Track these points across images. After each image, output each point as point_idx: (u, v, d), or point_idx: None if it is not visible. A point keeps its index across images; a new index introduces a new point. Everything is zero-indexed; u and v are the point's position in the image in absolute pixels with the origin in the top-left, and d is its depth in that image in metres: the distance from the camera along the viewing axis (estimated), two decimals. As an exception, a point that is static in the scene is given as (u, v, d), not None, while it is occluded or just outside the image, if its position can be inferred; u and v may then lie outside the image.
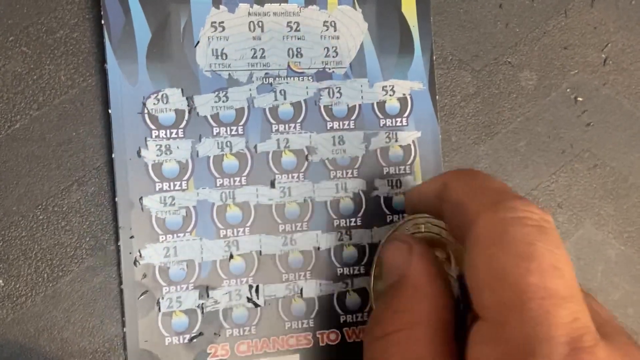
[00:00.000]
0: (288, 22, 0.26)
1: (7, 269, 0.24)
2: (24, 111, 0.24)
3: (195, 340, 0.24)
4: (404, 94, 0.27)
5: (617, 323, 0.19)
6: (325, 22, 0.26)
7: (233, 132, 0.25)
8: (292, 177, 0.25)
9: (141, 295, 0.24)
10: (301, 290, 0.25)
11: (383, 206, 0.26)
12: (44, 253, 0.24)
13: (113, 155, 0.24)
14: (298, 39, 0.26)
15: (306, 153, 0.26)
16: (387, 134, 0.26)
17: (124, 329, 0.24)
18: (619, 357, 0.15)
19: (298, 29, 0.26)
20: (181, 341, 0.24)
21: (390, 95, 0.27)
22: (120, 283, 0.24)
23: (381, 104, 0.27)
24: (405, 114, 0.27)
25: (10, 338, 0.23)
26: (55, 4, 0.24)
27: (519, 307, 0.16)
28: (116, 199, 0.24)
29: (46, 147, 0.24)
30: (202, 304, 0.24)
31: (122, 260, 0.24)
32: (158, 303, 0.24)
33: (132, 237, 0.24)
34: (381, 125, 0.27)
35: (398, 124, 0.27)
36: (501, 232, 0.17)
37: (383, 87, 0.27)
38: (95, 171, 0.24)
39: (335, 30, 0.26)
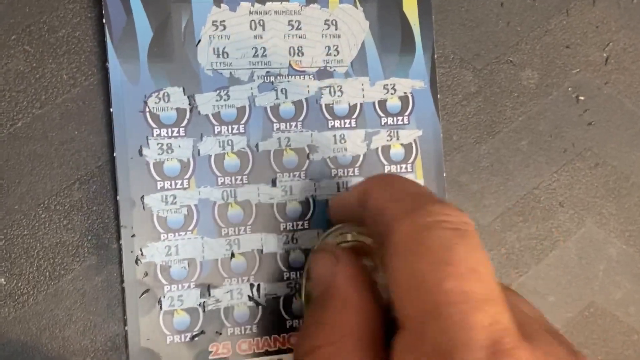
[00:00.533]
0: (289, 21, 0.26)
1: (9, 268, 0.24)
2: (26, 110, 0.24)
3: (196, 338, 0.24)
4: (405, 93, 0.27)
5: (545, 320, 0.18)
6: (326, 20, 0.26)
7: (234, 131, 0.25)
8: (294, 175, 0.25)
9: (143, 294, 0.24)
10: (302, 288, 0.25)
11: None
12: (46, 251, 0.24)
13: (115, 154, 0.24)
14: (299, 37, 0.26)
15: (307, 152, 0.26)
16: (389, 132, 0.26)
17: (126, 328, 0.24)
18: (541, 357, 0.15)
19: (299, 27, 0.26)
20: (183, 340, 0.24)
21: (391, 93, 0.27)
22: (122, 281, 0.24)
23: (382, 103, 0.27)
24: (407, 113, 0.27)
25: (12, 336, 0.23)
26: (57, 3, 0.25)
27: (437, 313, 0.15)
28: (118, 197, 0.24)
29: (48, 146, 0.24)
30: (204, 302, 0.24)
31: (124, 259, 0.24)
32: (159, 302, 0.24)
33: (133, 235, 0.24)
34: (382, 123, 0.27)
35: (399, 122, 0.27)
36: (418, 238, 0.17)
37: (384, 86, 0.27)
38: (97, 170, 0.24)
39: (336, 29, 0.26)
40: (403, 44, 0.27)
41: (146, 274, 0.24)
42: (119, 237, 0.24)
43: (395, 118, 0.27)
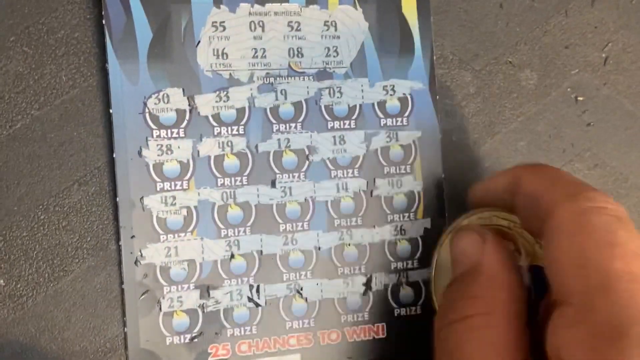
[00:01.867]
0: (289, 22, 0.26)
1: (8, 269, 0.24)
2: (25, 111, 0.24)
3: (196, 340, 0.24)
4: (404, 94, 0.27)
5: None
6: (326, 21, 0.26)
7: (234, 132, 0.25)
8: (293, 176, 0.25)
9: (142, 295, 0.24)
10: (302, 289, 0.25)
11: (384, 206, 0.26)
12: (45, 253, 0.24)
13: (114, 155, 0.24)
14: (299, 38, 0.26)
15: (307, 153, 0.26)
16: (388, 133, 0.26)
17: (125, 329, 0.24)
18: None
19: (299, 28, 0.26)
20: (182, 341, 0.24)
21: (390, 94, 0.27)
22: (122, 283, 0.24)
23: (382, 104, 0.27)
24: (406, 114, 0.27)
25: (11, 338, 0.23)
26: (56, 4, 0.24)
27: (606, 290, 0.16)
28: (117, 198, 0.24)
29: (47, 147, 0.24)
30: (203, 303, 0.24)
31: (123, 260, 0.24)
32: (159, 303, 0.24)
33: (133, 236, 0.24)
34: (382, 124, 0.27)
35: (398, 123, 0.27)
36: (582, 221, 0.18)
37: (383, 87, 0.27)
38: (97, 171, 0.24)
39: (336, 30, 0.26)
40: (402, 45, 0.27)
41: (146, 275, 0.24)
42: (118, 239, 0.24)
43: (394, 119, 0.27)
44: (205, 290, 0.24)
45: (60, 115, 0.24)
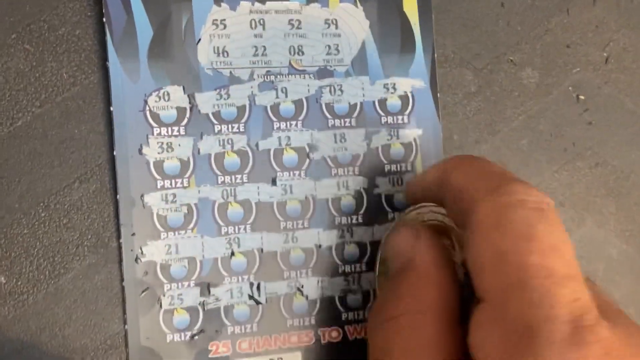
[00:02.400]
0: (290, 20, 0.26)
1: (9, 266, 0.24)
2: (26, 108, 0.24)
3: (196, 337, 0.24)
4: (405, 92, 0.27)
5: (617, 306, 0.19)
6: (326, 19, 0.26)
7: (234, 130, 0.25)
8: (294, 174, 0.25)
9: (142, 293, 0.24)
10: (302, 287, 0.25)
11: (384, 204, 0.26)
12: (46, 250, 0.24)
13: (115, 153, 0.24)
14: (299, 36, 0.26)
15: (307, 150, 0.26)
16: (389, 131, 0.26)
17: (125, 326, 0.24)
18: (622, 336, 0.15)
19: (299, 26, 0.26)
20: (183, 338, 0.24)
21: (391, 92, 0.27)
22: (122, 280, 0.24)
23: (382, 102, 0.27)
24: (407, 112, 0.27)
25: (11, 335, 0.23)
26: (57, 1, 0.25)
27: (520, 286, 0.16)
28: (118, 196, 0.24)
29: (48, 145, 0.24)
30: (204, 301, 0.24)
31: (124, 258, 0.24)
32: (159, 300, 0.24)
33: (133, 234, 0.24)
34: (382, 122, 0.26)
35: (399, 121, 0.27)
36: (501, 216, 0.17)
37: (384, 85, 0.27)
38: (97, 168, 0.24)
39: (336, 28, 0.26)
40: (403, 43, 0.27)
41: (146, 273, 0.24)
42: (119, 236, 0.24)
43: (395, 117, 0.27)
44: (206, 288, 0.24)
45: (61, 112, 0.24)
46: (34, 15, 0.24)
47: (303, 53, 0.26)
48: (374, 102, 0.26)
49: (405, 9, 0.27)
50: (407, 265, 0.20)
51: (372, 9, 0.27)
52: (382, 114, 0.27)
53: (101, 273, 0.24)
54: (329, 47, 0.26)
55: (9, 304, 0.24)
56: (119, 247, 0.24)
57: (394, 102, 0.27)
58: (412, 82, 0.27)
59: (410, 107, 0.27)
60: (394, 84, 0.27)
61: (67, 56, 0.24)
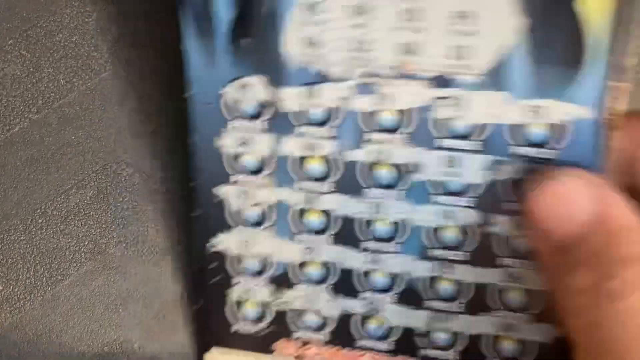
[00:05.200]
0: (402, 8, 0.20)
1: (5, 273, 0.24)
2: (23, 114, 0.24)
3: (262, 333, 0.23)
4: (558, 120, 0.20)
5: None
6: (456, 11, 0.20)
7: (322, 134, 0.22)
8: (387, 193, 0.22)
9: (211, 281, 0.23)
10: (382, 311, 0.23)
11: (495, 246, 0.21)
12: (43, 257, 0.24)
13: (189, 141, 0.22)
14: (415, 31, 0.20)
15: (407, 169, 0.21)
16: (522, 165, 0.20)
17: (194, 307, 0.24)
18: None
19: (417, 18, 0.20)
20: (248, 331, 0.23)
21: (537, 118, 0.20)
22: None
23: (520, 128, 0.20)
24: (555, 146, 0.20)
25: (8, 342, 0.23)
26: (54, 7, 0.24)
27: None
28: (193, 184, 0.23)
29: (45, 151, 0.24)
30: (274, 300, 0.23)
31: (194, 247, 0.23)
32: (229, 291, 0.23)
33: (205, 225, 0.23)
34: (516, 153, 0.20)
35: (539, 156, 0.20)
36: None
37: (530, 107, 0.20)
38: (94, 174, 0.24)
39: (473, 24, 0.20)
40: (569, 53, 0.19)
41: (215, 264, 0.23)
42: (186, 229, 0.24)
43: (536, 149, 0.20)
44: (278, 288, 0.23)
45: (58, 118, 0.24)
46: (30, 21, 0.24)
47: (416, 52, 0.20)
48: (508, 126, 0.20)
49: (581, 7, 0.19)
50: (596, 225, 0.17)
51: (532, 1, 0.19)
52: (518, 142, 0.20)
53: (99, 280, 0.24)
54: (456, 48, 0.20)
55: (6, 311, 0.23)
56: (191, 235, 0.23)
57: (538, 130, 0.20)
58: (573, 108, 0.20)
59: (562, 141, 0.20)
60: (544, 108, 0.20)
61: (64, 62, 0.24)
